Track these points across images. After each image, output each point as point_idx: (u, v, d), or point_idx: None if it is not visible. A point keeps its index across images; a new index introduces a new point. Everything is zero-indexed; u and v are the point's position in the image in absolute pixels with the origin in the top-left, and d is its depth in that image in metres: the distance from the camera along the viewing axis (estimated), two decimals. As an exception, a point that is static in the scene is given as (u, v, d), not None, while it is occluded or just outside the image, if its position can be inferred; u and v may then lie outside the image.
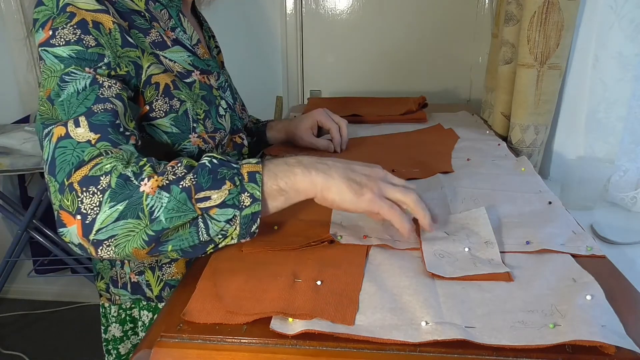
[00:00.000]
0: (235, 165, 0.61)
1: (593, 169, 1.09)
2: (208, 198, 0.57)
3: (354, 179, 0.63)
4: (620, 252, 0.96)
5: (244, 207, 0.58)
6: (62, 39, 0.65)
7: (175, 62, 0.79)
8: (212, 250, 0.61)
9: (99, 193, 0.56)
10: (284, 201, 0.62)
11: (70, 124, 0.61)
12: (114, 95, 0.65)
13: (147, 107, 0.74)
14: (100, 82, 0.65)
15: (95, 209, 0.56)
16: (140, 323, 0.90)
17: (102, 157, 0.59)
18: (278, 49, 1.95)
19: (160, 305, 0.88)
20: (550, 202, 0.78)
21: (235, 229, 0.59)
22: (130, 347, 0.93)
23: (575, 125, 1.17)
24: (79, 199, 0.56)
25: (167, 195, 0.56)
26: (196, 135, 0.79)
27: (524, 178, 0.89)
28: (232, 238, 0.60)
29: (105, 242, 0.56)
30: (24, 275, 2.40)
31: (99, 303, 0.92)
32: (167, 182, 0.57)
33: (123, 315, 0.90)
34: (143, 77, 0.73)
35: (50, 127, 0.62)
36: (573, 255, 0.63)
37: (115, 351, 0.93)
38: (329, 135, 1.07)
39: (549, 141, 1.19)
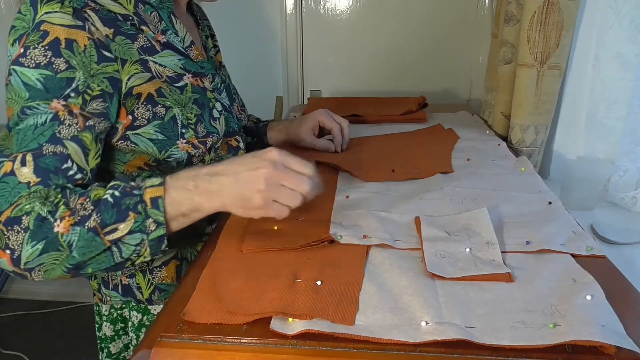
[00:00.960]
0: (137, 192, 0.63)
1: (593, 169, 1.09)
2: (115, 229, 0.62)
3: (241, 192, 0.63)
4: (620, 252, 0.97)
5: (150, 232, 0.63)
6: (33, 61, 0.66)
7: (165, 66, 0.77)
8: (130, 265, 0.67)
9: (22, 231, 0.61)
10: (190, 220, 0.66)
11: (18, 162, 0.64)
12: (70, 137, 0.66)
13: (130, 117, 0.74)
14: (62, 119, 0.66)
15: (20, 245, 0.61)
16: (130, 323, 0.90)
17: (26, 197, 0.63)
18: (278, 49, 1.95)
19: (150, 307, 0.88)
20: (550, 202, 0.78)
21: (146, 249, 0.65)
22: (121, 346, 0.94)
23: (575, 125, 1.17)
24: (6, 236, 0.61)
25: (79, 230, 0.61)
26: (184, 141, 0.79)
27: (524, 178, 0.89)
28: (145, 257, 0.66)
29: (36, 268, 0.62)
30: (24, 275, 2.40)
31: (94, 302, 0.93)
32: (78, 219, 0.62)
33: (115, 315, 0.91)
34: (123, 90, 0.72)
35: (2, 160, 0.65)
36: (573, 255, 0.64)
37: (106, 349, 0.94)
38: (329, 135, 1.07)
39: (549, 141, 1.19)
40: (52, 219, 0.61)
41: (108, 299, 0.89)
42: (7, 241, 0.61)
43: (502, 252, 0.64)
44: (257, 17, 1.92)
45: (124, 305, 0.89)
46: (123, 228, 0.62)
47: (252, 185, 0.62)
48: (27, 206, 0.62)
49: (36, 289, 2.44)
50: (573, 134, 1.18)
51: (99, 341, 0.94)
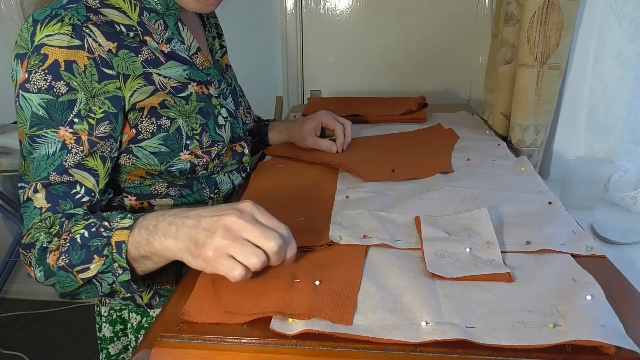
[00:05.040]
0: (106, 234, 0.62)
1: (593, 169, 1.09)
2: (87, 269, 0.63)
3: (195, 235, 0.56)
4: (620, 252, 0.96)
5: (118, 274, 0.63)
6: (35, 85, 0.67)
7: (169, 78, 0.77)
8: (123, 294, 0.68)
9: (33, 256, 0.67)
10: (154, 264, 0.63)
11: (32, 189, 0.68)
12: (75, 164, 0.69)
13: (134, 131, 0.74)
14: (69, 147, 0.68)
15: (35, 266, 0.66)
16: (129, 325, 0.90)
17: (37, 225, 0.68)
18: (278, 49, 1.95)
19: (150, 310, 0.88)
20: (550, 202, 0.78)
21: (120, 289, 0.65)
22: (120, 347, 0.94)
23: (575, 125, 1.17)
24: (27, 257, 0.68)
25: (56, 266, 0.64)
26: (188, 152, 0.79)
27: (524, 178, 0.89)
28: (124, 294, 0.68)
29: (54, 285, 0.67)
30: (24, 275, 2.40)
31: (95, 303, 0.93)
32: (59, 255, 0.64)
33: (114, 316, 0.91)
34: (127, 107, 0.72)
35: (23, 186, 0.70)
36: (573, 255, 0.63)
37: (105, 350, 0.94)
38: (332, 136, 1.07)
39: (549, 141, 1.19)
40: (48, 250, 0.65)
41: (107, 300, 0.89)
42: (30, 260, 0.68)
43: (502, 252, 0.64)
44: (257, 17, 1.92)
45: (123, 307, 0.89)
46: (93, 268, 0.62)
47: (209, 231, 0.55)
48: (36, 234, 0.67)
49: (36, 289, 2.44)
50: (573, 134, 1.18)
51: (99, 342, 0.94)
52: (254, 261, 0.54)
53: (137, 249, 0.61)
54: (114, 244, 0.61)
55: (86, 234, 0.63)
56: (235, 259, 0.54)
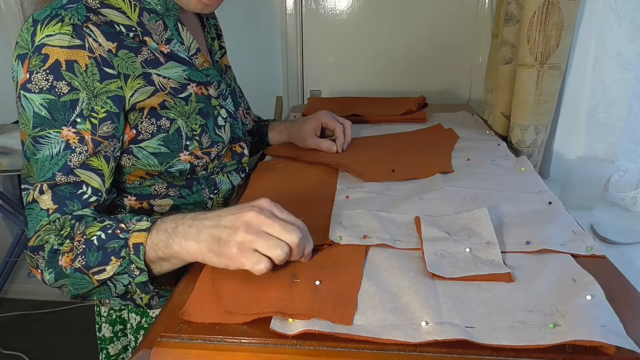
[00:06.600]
0: (123, 236, 0.62)
1: (593, 169, 1.09)
2: (103, 270, 0.63)
3: (218, 234, 0.57)
4: (620, 252, 0.97)
5: (134, 275, 0.63)
6: (37, 86, 0.67)
7: (169, 78, 0.76)
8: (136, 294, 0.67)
9: (42, 259, 0.67)
10: (171, 265, 0.63)
11: (37, 190, 0.68)
12: (80, 164, 0.69)
13: (134, 131, 0.74)
14: (73, 147, 0.68)
15: (43, 269, 0.66)
16: (128, 325, 0.90)
17: (46, 227, 0.68)
18: (278, 49, 1.95)
19: (149, 310, 0.88)
20: (550, 202, 0.78)
21: (135, 290, 0.66)
22: (120, 348, 0.94)
23: (575, 125, 1.17)
24: (35, 259, 0.67)
25: (70, 268, 0.64)
26: (187, 153, 0.78)
27: (524, 178, 0.89)
28: (139, 295, 0.67)
29: (62, 288, 0.67)
30: (24, 275, 2.40)
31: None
32: (74, 256, 0.64)
33: (113, 316, 0.91)
34: (127, 107, 0.72)
35: (27, 187, 0.70)
36: (573, 255, 0.64)
37: (105, 350, 0.94)
38: (332, 137, 1.07)
39: (549, 141, 1.19)
40: (60, 252, 0.65)
41: (107, 301, 0.89)
42: (37, 262, 0.67)
43: (502, 252, 0.64)
44: (257, 17, 1.92)
45: (122, 307, 0.89)
46: (109, 270, 0.62)
47: (231, 228, 0.57)
48: (45, 237, 0.67)
49: (36, 289, 2.44)
50: (573, 134, 1.18)
51: (98, 342, 0.94)
52: (279, 253, 0.56)
53: (155, 250, 0.61)
54: (131, 245, 0.61)
55: (103, 236, 0.63)
56: (260, 253, 0.56)
